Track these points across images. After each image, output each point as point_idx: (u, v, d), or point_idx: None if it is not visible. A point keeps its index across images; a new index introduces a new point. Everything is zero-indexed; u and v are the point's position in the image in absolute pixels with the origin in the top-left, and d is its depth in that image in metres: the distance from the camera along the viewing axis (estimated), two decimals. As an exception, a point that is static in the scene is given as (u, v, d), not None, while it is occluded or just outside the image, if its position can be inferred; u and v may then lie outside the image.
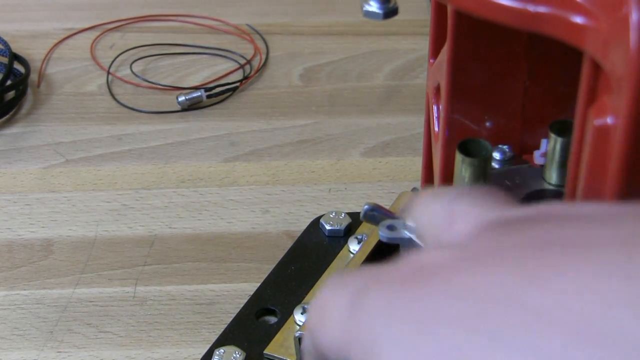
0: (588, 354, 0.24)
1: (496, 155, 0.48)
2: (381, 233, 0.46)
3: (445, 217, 0.33)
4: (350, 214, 0.65)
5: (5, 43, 0.85)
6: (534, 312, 0.25)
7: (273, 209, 0.70)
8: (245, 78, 0.85)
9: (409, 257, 0.31)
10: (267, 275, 0.62)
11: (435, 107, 0.50)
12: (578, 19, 0.32)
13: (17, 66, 0.84)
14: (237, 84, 0.83)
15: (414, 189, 0.65)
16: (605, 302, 0.25)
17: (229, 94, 0.83)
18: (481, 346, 0.26)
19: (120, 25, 0.92)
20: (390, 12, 0.42)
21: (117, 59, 0.87)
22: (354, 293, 0.31)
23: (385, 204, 0.55)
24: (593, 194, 0.35)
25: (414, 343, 0.27)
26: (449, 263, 0.29)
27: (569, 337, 0.24)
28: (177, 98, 0.81)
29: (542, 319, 0.25)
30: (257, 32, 0.91)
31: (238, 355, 0.56)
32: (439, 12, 0.48)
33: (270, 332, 0.57)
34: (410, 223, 0.42)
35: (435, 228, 0.34)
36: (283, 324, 0.58)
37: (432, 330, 0.27)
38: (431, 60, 0.50)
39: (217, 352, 0.56)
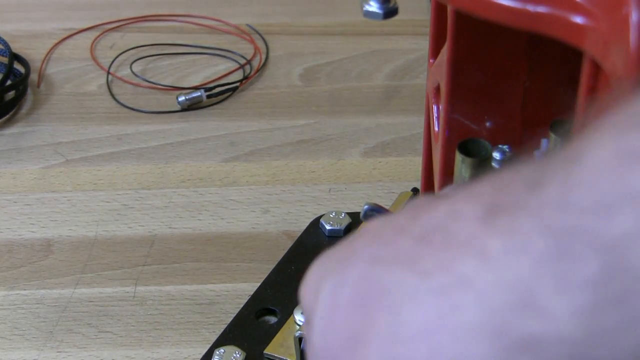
0: None
1: (496, 155, 0.48)
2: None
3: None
4: (350, 214, 0.65)
5: (5, 43, 0.85)
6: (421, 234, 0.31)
7: (273, 209, 0.70)
8: (245, 78, 0.85)
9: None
10: (267, 275, 0.62)
11: (435, 107, 0.50)
12: (578, 19, 0.32)
13: (17, 66, 0.84)
14: (237, 84, 0.83)
15: (414, 189, 0.65)
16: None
17: (229, 94, 0.83)
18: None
19: (120, 25, 0.92)
20: (390, 12, 0.42)
21: (117, 59, 0.87)
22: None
23: (385, 204, 0.55)
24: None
25: (336, 284, 0.33)
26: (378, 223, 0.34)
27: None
28: (177, 98, 0.81)
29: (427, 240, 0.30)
30: (257, 32, 0.91)
31: (238, 355, 0.56)
32: (439, 12, 0.48)
33: (270, 332, 0.57)
34: None
35: None
36: (283, 324, 0.58)
37: (349, 270, 0.32)
38: (431, 60, 0.50)
39: (217, 352, 0.56)
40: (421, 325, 0.28)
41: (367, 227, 0.34)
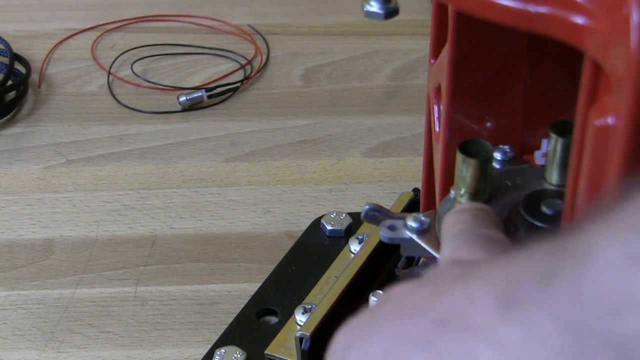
0: None
1: (497, 155, 0.48)
2: (382, 233, 0.46)
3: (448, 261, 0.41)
4: (351, 214, 0.65)
5: (6, 43, 0.85)
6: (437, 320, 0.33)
7: (274, 209, 0.70)
8: (246, 78, 0.85)
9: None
10: (268, 275, 0.62)
11: (436, 107, 0.50)
12: (578, 20, 0.32)
13: (18, 66, 0.84)
14: (238, 84, 0.83)
15: (415, 189, 0.65)
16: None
17: (229, 94, 0.83)
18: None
19: (121, 25, 0.92)
20: (391, 12, 0.42)
21: (118, 59, 0.87)
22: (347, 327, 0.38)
23: (386, 204, 0.55)
24: (594, 193, 0.35)
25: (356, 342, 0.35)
26: (398, 291, 0.36)
27: None
28: (178, 98, 0.81)
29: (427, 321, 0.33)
30: (258, 33, 0.91)
31: (239, 356, 0.56)
32: (440, 12, 0.48)
33: (271, 333, 0.57)
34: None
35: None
36: (284, 324, 0.58)
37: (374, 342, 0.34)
38: (432, 61, 0.50)
39: (218, 352, 0.56)
40: None
41: (390, 295, 0.36)
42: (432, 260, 0.46)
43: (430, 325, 0.32)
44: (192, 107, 0.81)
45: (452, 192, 0.45)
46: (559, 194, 0.44)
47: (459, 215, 0.41)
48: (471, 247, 0.39)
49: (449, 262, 0.39)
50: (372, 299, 0.56)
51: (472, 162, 0.43)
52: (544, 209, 0.43)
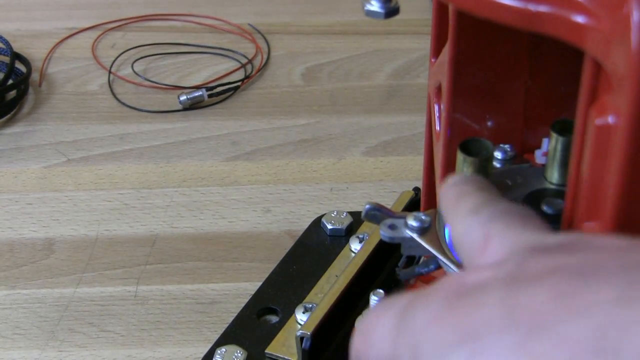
0: None
1: (497, 154, 0.48)
2: (382, 232, 0.46)
3: (480, 238, 0.34)
4: (351, 213, 0.65)
5: (6, 42, 0.85)
6: (570, 341, 0.26)
7: (274, 208, 0.70)
8: (247, 77, 0.85)
9: (449, 277, 0.32)
10: (268, 274, 0.62)
11: (436, 107, 0.50)
12: (579, 19, 0.32)
13: (19, 65, 0.84)
14: (239, 84, 0.83)
15: (416, 189, 0.65)
16: None
17: (230, 93, 0.83)
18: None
19: (122, 24, 0.92)
20: (391, 11, 0.42)
21: (119, 58, 0.87)
22: (398, 313, 0.32)
23: (387, 203, 0.55)
24: (594, 193, 0.35)
25: (453, 351, 0.28)
26: (488, 281, 0.30)
27: None
28: (178, 97, 0.81)
29: (578, 349, 0.26)
30: (259, 32, 0.91)
31: (239, 355, 0.56)
32: (441, 11, 0.48)
33: (272, 332, 0.57)
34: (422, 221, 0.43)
35: (469, 248, 0.35)
36: (284, 323, 0.58)
37: (471, 341, 0.28)
38: (432, 60, 0.50)
39: (219, 352, 0.56)
40: None
41: (481, 285, 0.30)
42: (433, 259, 0.46)
43: (588, 349, 0.26)
44: (193, 106, 0.81)
45: None
46: (559, 193, 0.44)
47: (460, 187, 0.38)
48: (507, 221, 0.34)
49: (527, 250, 0.31)
50: (373, 298, 0.56)
51: (472, 161, 0.42)
52: (545, 208, 0.43)
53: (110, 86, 0.84)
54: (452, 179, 0.39)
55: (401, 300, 0.32)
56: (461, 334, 0.28)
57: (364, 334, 0.33)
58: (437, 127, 0.50)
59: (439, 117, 0.50)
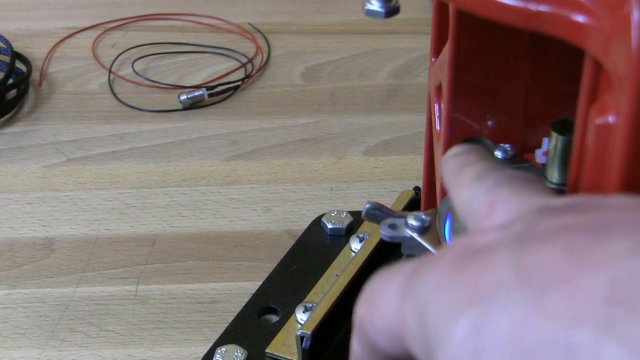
0: None
1: (498, 154, 0.48)
2: (383, 232, 0.46)
3: (485, 204, 0.34)
4: (352, 213, 0.65)
5: (7, 42, 0.85)
6: (585, 293, 0.26)
7: (275, 207, 0.70)
8: (247, 77, 0.85)
9: (455, 241, 0.31)
10: (268, 274, 0.62)
11: (436, 106, 0.50)
12: (579, 18, 0.32)
13: (19, 65, 0.84)
14: (239, 83, 0.83)
15: (416, 188, 0.65)
16: None
17: (230, 92, 0.83)
18: (536, 320, 0.26)
19: (122, 24, 0.92)
20: (391, 10, 0.42)
21: (119, 57, 0.87)
22: (405, 277, 0.31)
23: (387, 202, 0.55)
24: (595, 192, 0.35)
25: (462, 312, 0.28)
26: (496, 241, 0.29)
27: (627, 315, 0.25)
28: (178, 97, 0.81)
29: (597, 298, 0.25)
30: (259, 31, 0.91)
31: (240, 354, 0.56)
32: (441, 11, 0.48)
33: (272, 331, 0.57)
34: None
35: (475, 214, 0.34)
36: (285, 323, 0.58)
37: (481, 301, 0.27)
38: (433, 59, 0.50)
39: (219, 351, 0.56)
40: None
41: (489, 247, 0.29)
42: None
43: (599, 302, 0.25)
44: (193, 105, 0.81)
45: None
46: (559, 192, 0.44)
47: (464, 157, 0.37)
48: (513, 186, 0.33)
49: (535, 211, 0.31)
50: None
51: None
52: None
53: (110, 86, 0.84)
54: (453, 149, 0.38)
55: (408, 265, 0.31)
56: (470, 295, 0.28)
57: (369, 300, 0.33)
58: (438, 127, 0.50)
59: (439, 116, 0.50)
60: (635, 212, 0.28)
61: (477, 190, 0.34)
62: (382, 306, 0.32)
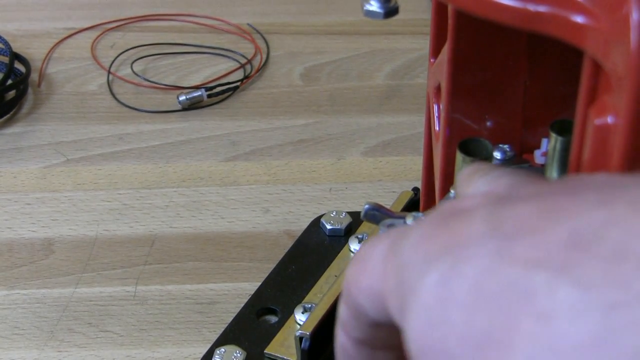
0: None
1: (497, 154, 0.48)
2: (382, 232, 0.46)
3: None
4: (351, 213, 0.65)
5: (5, 42, 0.85)
6: (547, 241, 0.26)
7: (274, 208, 0.70)
8: (246, 77, 0.85)
9: (440, 206, 0.32)
10: (267, 274, 0.62)
11: (435, 107, 0.50)
12: (578, 19, 0.32)
13: (18, 65, 0.84)
14: (238, 84, 0.83)
15: (415, 189, 0.65)
16: None
17: (229, 93, 0.83)
18: (499, 266, 0.27)
19: (121, 24, 0.92)
20: (390, 11, 0.42)
21: (118, 58, 0.87)
22: (391, 241, 0.31)
23: (386, 203, 0.55)
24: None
25: (433, 262, 0.28)
26: (479, 203, 0.30)
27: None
28: (177, 97, 0.81)
29: (557, 244, 0.26)
30: (258, 32, 0.91)
31: (239, 355, 0.56)
32: (440, 11, 0.48)
33: (271, 332, 0.57)
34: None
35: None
36: (284, 324, 0.58)
37: (452, 252, 0.28)
38: (432, 60, 0.50)
39: (218, 352, 0.56)
40: (581, 341, 0.25)
41: (470, 208, 0.30)
42: None
43: (559, 247, 0.26)
44: (192, 106, 0.81)
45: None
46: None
47: (477, 165, 0.38)
48: (515, 176, 0.33)
49: (520, 181, 0.32)
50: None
51: (472, 161, 0.42)
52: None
53: (109, 86, 0.84)
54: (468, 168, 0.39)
55: (396, 229, 0.32)
56: (443, 248, 0.28)
57: (357, 263, 0.33)
58: (437, 127, 0.50)
59: (438, 117, 0.50)
60: (612, 177, 0.29)
61: (480, 183, 0.35)
62: (368, 267, 0.32)
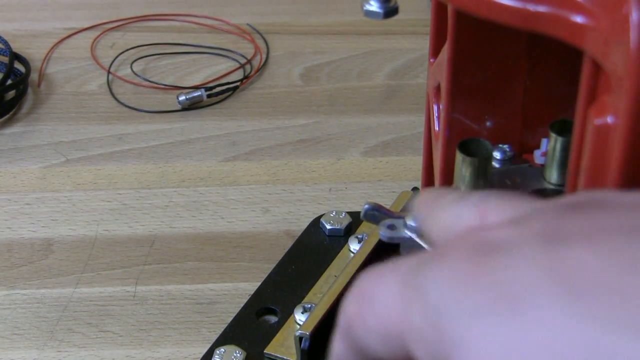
0: None
1: (496, 154, 0.48)
2: (381, 232, 0.46)
3: (476, 215, 0.32)
4: (350, 214, 0.65)
5: (5, 42, 0.85)
6: (631, 295, 0.24)
7: (273, 208, 0.70)
8: (246, 77, 0.85)
9: (460, 236, 0.29)
10: (267, 274, 0.62)
11: (435, 107, 0.50)
12: (578, 19, 0.32)
13: (18, 65, 0.84)
14: (238, 84, 0.83)
15: (414, 189, 0.65)
16: None
17: (229, 93, 0.83)
18: (574, 326, 0.25)
19: (121, 24, 0.92)
20: (390, 11, 0.42)
21: (118, 58, 0.87)
22: (407, 276, 0.29)
23: (386, 203, 0.55)
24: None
25: (485, 314, 0.26)
26: (516, 238, 0.27)
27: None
28: (177, 97, 0.81)
29: (633, 301, 0.24)
30: (258, 32, 0.91)
31: (238, 355, 0.56)
32: (440, 11, 0.48)
33: (271, 332, 0.57)
34: (415, 224, 0.42)
35: (463, 225, 0.32)
36: (283, 324, 0.58)
37: (508, 301, 0.26)
38: (431, 60, 0.50)
39: (218, 352, 0.56)
40: None
41: (507, 242, 0.27)
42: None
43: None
44: (192, 106, 0.81)
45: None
46: (558, 193, 0.44)
47: (436, 191, 0.35)
48: (502, 196, 0.31)
49: (555, 208, 0.29)
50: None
51: (471, 161, 0.42)
52: (544, 208, 0.43)
53: (109, 86, 0.84)
54: (424, 192, 0.37)
55: (407, 262, 0.29)
56: (494, 296, 0.26)
57: (360, 299, 0.30)
58: (436, 127, 0.50)
59: (438, 117, 0.50)
60: None
61: (463, 207, 0.32)
62: (377, 305, 0.30)
